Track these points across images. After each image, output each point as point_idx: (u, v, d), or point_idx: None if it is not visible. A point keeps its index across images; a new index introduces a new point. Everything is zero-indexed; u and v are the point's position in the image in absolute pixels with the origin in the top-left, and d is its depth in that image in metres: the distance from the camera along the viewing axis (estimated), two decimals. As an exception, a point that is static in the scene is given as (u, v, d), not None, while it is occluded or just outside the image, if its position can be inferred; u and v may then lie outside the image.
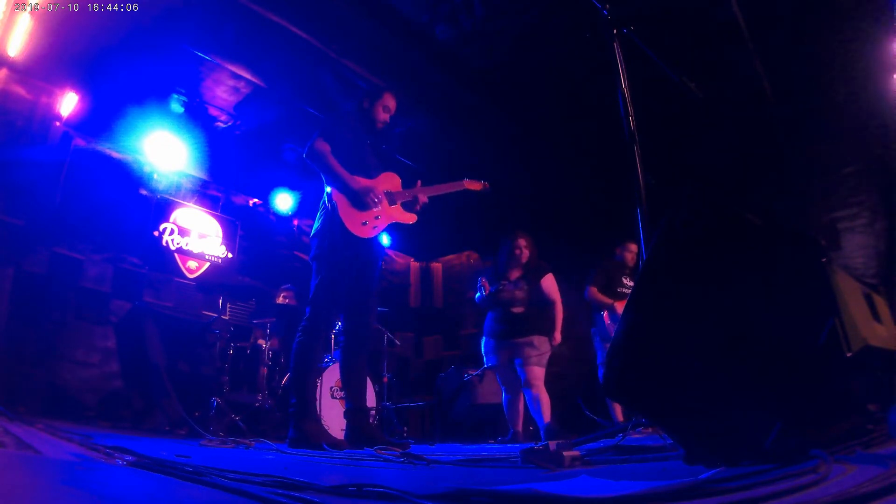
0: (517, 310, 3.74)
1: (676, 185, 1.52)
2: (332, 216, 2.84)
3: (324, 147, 2.85)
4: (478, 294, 3.89)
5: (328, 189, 2.90)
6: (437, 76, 4.77)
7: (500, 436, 3.86)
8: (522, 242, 3.88)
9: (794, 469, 0.90)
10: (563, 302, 3.83)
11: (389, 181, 3.06)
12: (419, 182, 3.12)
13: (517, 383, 3.71)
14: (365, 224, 2.87)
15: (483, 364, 4.86)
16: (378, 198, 2.90)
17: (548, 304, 3.79)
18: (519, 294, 3.76)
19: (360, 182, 2.88)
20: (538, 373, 3.63)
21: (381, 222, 2.94)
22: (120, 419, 4.11)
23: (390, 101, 3.15)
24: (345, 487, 0.95)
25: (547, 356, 3.70)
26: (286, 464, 1.80)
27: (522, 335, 3.68)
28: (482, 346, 3.90)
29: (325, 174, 2.88)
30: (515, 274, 3.86)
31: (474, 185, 3.36)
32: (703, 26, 4.02)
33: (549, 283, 3.83)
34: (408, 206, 3.08)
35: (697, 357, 1.20)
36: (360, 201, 2.85)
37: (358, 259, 2.88)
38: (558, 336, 3.77)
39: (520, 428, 3.72)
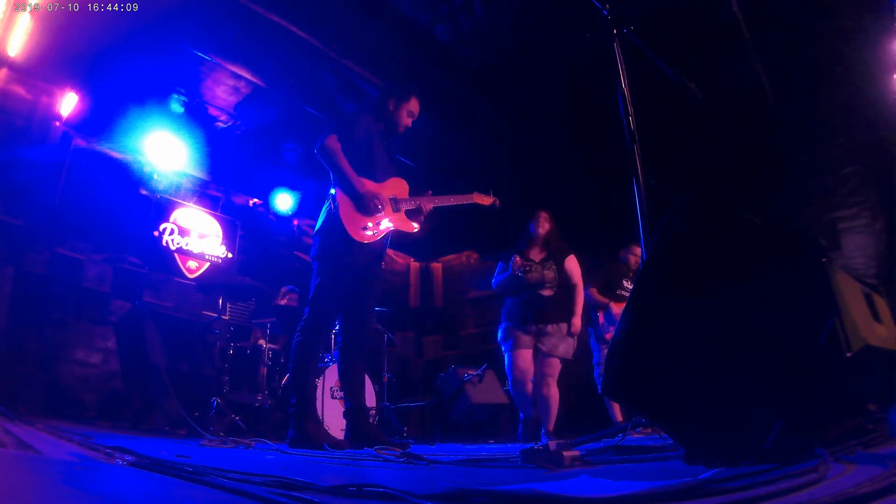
0: (547, 292, 3.56)
1: (677, 184, 1.52)
2: (334, 217, 2.80)
3: (334, 145, 2.80)
4: (501, 274, 3.66)
5: (332, 190, 2.86)
6: (438, 76, 4.78)
7: (494, 438, 3.67)
8: (543, 215, 3.77)
9: (794, 469, 0.90)
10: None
11: (396, 187, 3.00)
12: (429, 192, 3.06)
13: (529, 373, 3.53)
14: (365, 229, 2.82)
15: (483, 364, 4.86)
16: (382, 204, 2.84)
17: (570, 286, 3.63)
18: (549, 275, 3.56)
19: (366, 186, 2.83)
20: (558, 366, 3.49)
21: (382, 229, 2.89)
22: (120, 419, 4.11)
23: (416, 106, 3.08)
24: (345, 487, 0.95)
25: (573, 348, 3.53)
26: (286, 464, 1.80)
27: (553, 321, 3.50)
28: (501, 331, 3.66)
29: (333, 172, 2.83)
30: (538, 253, 3.71)
31: (484, 200, 3.29)
32: (703, 26, 4.02)
33: (573, 265, 3.68)
34: (412, 214, 3.01)
35: (697, 357, 1.20)
36: (364, 206, 2.80)
37: (357, 262, 2.84)
38: (578, 322, 3.56)
39: (533, 414, 3.53)
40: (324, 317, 2.85)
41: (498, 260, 3.86)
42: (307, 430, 2.67)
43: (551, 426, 3.46)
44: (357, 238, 2.79)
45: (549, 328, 3.50)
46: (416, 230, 3.02)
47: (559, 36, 4.27)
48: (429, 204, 3.01)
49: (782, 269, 1.16)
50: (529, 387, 3.56)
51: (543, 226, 3.76)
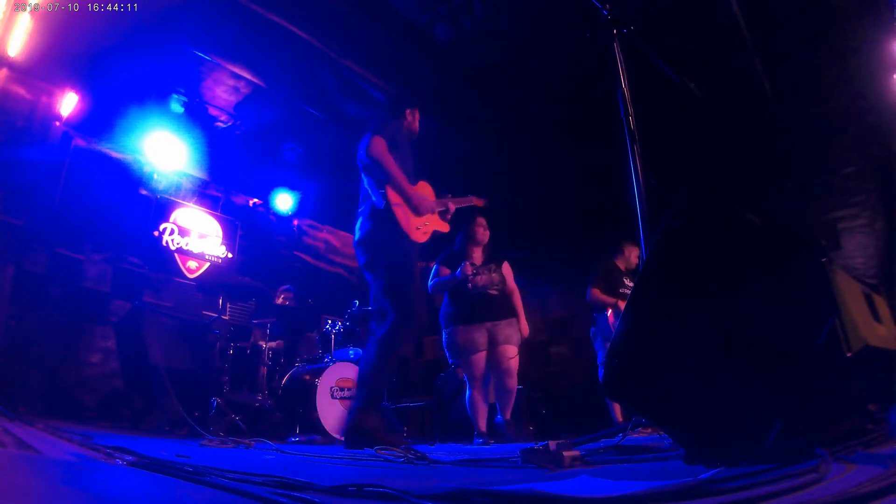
0: (494, 292, 3.66)
1: (677, 184, 1.52)
2: (390, 219, 2.77)
3: (383, 145, 2.79)
4: (440, 277, 3.69)
5: (382, 190, 2.80)
6: (437, 76, 4.78)
7: (494, 438, 3.67)
8: (483, 221, 3.83)
9: (794, 469, 0.90)
10: (562, 303, 3.79)
11: (425, 190, 3.06)
12: (448, 194, 3.18)
13: (488, 374, 3.60)
14: (419, 229, 2.85)
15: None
16: (432, 206, 2.92)
17: (511, 291, 3.77)
18: (496, 277, 3.68)
19: (413, 187, 2.88)
20: (517, 356, 3.58)
21: (429, 229, 2.93)
22: (120, 419, 4.11)
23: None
24: (345, 487, 0.95)
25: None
26: (286, 464, 1.80)
27: (506, 317, 3.63)
28: (451, 336, 3.64)
29: (384, 174, 2.78)
30: (479, 257, 3.78)
31: (479, 202, 3.52)
32: (703, 26, 4.02)
33: (508, 271, 3.80)
34: (442, 216, 3.11)
35: (697, 357, 1.20)
36: (415, 206, 2.83)
37: (414, 261, 2.86)
38: (526, 326, 3.71)
39: (485, 427, 3.58)
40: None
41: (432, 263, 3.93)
42: (371, 426, 2.57)
43: (509, 415, 3.55)
44: (414, 237, 2.83)
45: (503, 322, 3.61)
46: (448, 231, 3.12)
47: (559, 36, 4.27)
48: (452, 205, 3.12)
49: (782, 269, 1.16)
50: (485, 394, 3.64)
51: (485, 233, 3.83)
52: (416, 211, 2.85)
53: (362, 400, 2.65)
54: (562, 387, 5.61)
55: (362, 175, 2.93)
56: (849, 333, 1.06)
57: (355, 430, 2.55)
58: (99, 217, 4.76)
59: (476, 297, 3.62)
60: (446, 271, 3.71)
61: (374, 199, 2.83)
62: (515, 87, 4.97)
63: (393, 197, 2.79)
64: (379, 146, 2.78)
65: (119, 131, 4.91)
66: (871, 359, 1.12)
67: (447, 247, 3.92)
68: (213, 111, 5.35)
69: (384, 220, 2.79)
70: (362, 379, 2.73)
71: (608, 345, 4.16)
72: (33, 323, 4.16)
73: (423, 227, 2.89)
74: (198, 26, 4.13)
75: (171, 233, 5.33)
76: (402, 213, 2.79)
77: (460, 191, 3.39)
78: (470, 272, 3.62)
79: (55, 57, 4.14)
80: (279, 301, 5.10)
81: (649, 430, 2.57)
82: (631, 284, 4.31)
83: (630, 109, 2.06)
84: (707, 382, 1.18)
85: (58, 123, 4.51)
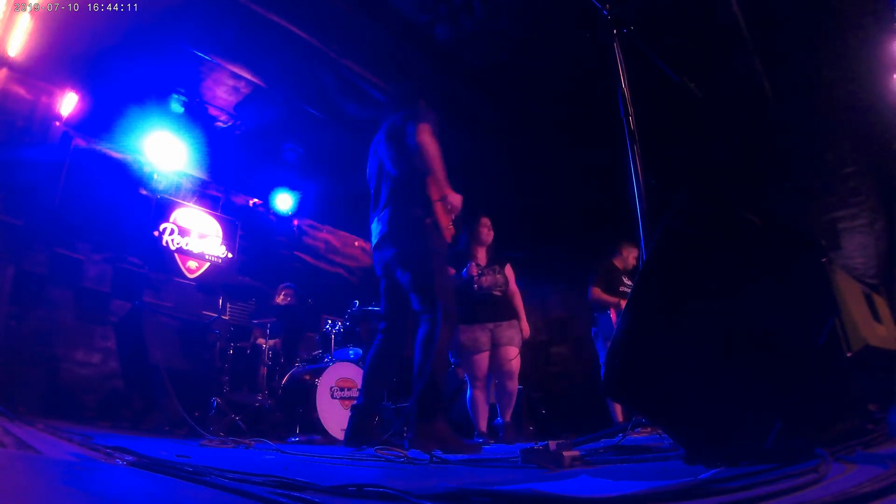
0: (497, 293, 3.68)
1: (677, 185, 1.52)
2: (430, 214, 2.62)
3: (431, 133, 2.59)
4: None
5: (423, 182, 2.64)
6: (437, 76, 4.78)
7: (494, 438, 3.59)
8: (488, 222, 3.81)
9: (794, 469, 0.90)
10: (562, 303, 3.78)
11: None
12: None
13: (488, 373, 3.59)
14: (448, 229, 2.72)
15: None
16: (458, 207, 2.74)
17: (513, 293, 3.78)
18: (500, 279, 3.70)
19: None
20: (518, 357, 3.58)
21: (452, 231, 2.78)
22: (120, 419, 4.11)
23: None
24: (345, 487, 0.95)
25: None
26: (286, 464, 1.80)
27: (508, 318, 3.65)
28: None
29: (430, 165, 2.59)
30: (482, 257, 3.78)
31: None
32: (703, 26, 4.02)
33: (512, 274, 3.80)
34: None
35: (697, 357, 1.20)
36: (449, 205, 2.67)
37: (446, 258, 2.73)
38: (527, 327, 3.73)
39: (485, 427, 3.58)
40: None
41: None
42: (438, 429, 2.39)
43: (509, 417, 3.57)
44: (447, 239, 2.69)
45: (505, 324, 3.63)
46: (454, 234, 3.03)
47: (559, 36, 4.27)
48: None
49: (782, 269, 1.16)
50: (486, 394, 3.63)
51: (489, 233, 3.82)
52: (448, 210, 2.69)
53: (419, 412, 2.41)
54: (562, 387, 5.61)
55: (394, 161, 2.72)
56: (849, 333, 1.06)
57: (425, 438, 2.33)
58: (99, 217, 4.76)
59: (480, 298, 3.63)
60: (451, 271, 3.71)
61: (409, 189, 2.66)
62: (515, 87, 4.97)
63: (434, 195, 2.62)
64: (428, 134, 2.58)
65: (119, 131, 4.92)
66: (871, 359, 1.12)
67: (450, 247, 3.91)
68: (213, 111, 5.35)
69: (424, 214, 2.61)
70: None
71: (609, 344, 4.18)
72: (33, 323, 4.16)
73: (450, 227, 2.74)
74: (198, 26, 4.14)
75: (171, 233, 5.33)
76: (440, 209, 2.63)
77: (459, 191, 3.37)
78: (475, 273, 3.61)
79: (55, 57, 4.14)
80: (279, 299, 5.10)
81: (649, 430, 2.57)
82: (630, 283, 4.31)
83: (630, 109, 2.06)
84: (707, 382, 1.18)
85: (58, 123, 4.51)
